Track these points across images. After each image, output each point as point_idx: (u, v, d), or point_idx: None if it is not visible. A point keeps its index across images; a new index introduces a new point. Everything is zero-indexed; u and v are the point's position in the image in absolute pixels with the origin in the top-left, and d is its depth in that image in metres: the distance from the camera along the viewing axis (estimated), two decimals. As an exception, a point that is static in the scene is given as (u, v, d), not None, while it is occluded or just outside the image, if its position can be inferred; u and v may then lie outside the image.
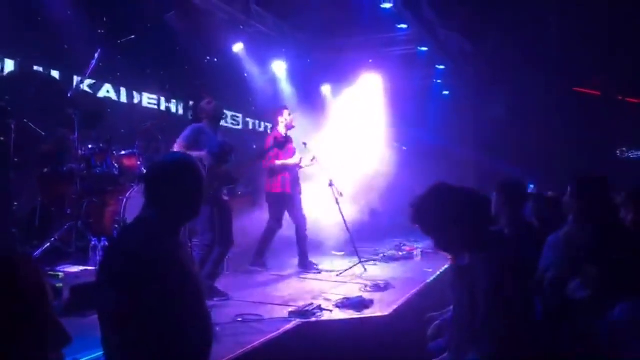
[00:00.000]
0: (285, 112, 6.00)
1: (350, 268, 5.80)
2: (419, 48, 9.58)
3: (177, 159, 2.21)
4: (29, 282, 0.77)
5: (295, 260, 6.06)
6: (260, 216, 6.27)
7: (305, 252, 6.02)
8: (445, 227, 2.10)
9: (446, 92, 12.01)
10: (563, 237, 2.78)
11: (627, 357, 2.16)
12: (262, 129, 9.86)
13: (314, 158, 6.02)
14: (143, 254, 1.84)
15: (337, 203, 6.03)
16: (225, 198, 4.74)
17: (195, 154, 4.25)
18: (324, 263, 6.31)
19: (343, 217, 6.07)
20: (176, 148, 4.42)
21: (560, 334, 2.37)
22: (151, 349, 1.77)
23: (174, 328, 1.81)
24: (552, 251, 2.76)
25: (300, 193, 6.10)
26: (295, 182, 6.05)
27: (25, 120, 4.73)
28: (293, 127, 5.98)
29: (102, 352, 1.87)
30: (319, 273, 5.81)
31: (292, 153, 6.02)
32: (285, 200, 5.94)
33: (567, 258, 2.63)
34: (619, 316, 2.23)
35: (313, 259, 6.15)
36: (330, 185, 6.04)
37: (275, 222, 5.93)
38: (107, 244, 4.43)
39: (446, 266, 5.63)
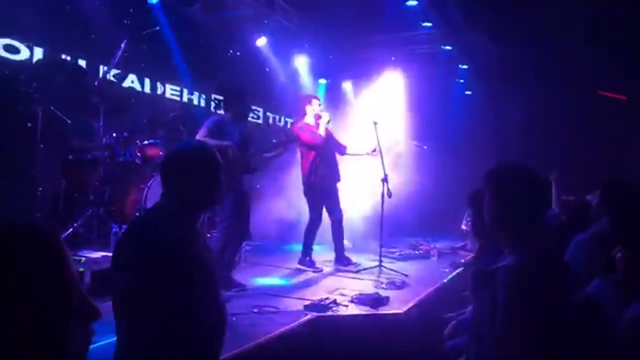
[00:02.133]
0: (315, 102, 5.89)
1: (372, 267, 5.74)
2: (442, 47, 9.48)
3: (194, 146, 2.18)
4: (54, 252, 0.78)
5: (313, 254, 6.03)
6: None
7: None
8: (506, 208, 1.86)
9: (468, 92, 11.87)
10: (592, 236, 2.71)
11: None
12: (282, 124, 9.88)
13: (375, 150, 5.81)
14: (158, 239, 1.84)
15: (382, 200, 5.81)
16: (246, 190, 4.77)
17: (222, 143, 4.30)
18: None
19: (382, 216, 5.86)
20: (199, 137, 4.44)
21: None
22: (162, 335, 1.76)
23: (186, 314, 1.81)
24: (580, 252, 2.70)
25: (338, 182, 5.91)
26: (333, 171, 5.87)
27: (52, 108, 4.83)
28: (320, 117, 5.76)
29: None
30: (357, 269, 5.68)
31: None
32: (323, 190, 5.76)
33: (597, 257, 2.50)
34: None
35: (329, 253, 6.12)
36: (384, 180, 5.79)
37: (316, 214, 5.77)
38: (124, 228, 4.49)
39: (462, 268, 5.60)
